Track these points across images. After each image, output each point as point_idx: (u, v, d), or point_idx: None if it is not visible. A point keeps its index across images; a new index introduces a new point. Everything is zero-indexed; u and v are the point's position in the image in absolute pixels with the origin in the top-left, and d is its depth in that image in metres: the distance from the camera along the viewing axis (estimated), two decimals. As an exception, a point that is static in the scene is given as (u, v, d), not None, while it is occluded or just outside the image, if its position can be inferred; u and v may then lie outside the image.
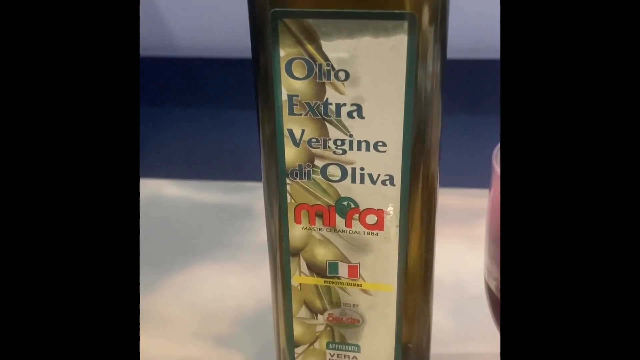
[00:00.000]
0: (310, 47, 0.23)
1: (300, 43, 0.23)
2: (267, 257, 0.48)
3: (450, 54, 0.24)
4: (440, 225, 0.29)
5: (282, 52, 0.23)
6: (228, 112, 1.07)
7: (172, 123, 1.00)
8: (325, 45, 0.23)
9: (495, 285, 0.28)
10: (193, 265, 0.50)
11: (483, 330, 0.40)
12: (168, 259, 0.51)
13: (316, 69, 0.23)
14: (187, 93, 1.06)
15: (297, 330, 0.29)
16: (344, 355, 0.29)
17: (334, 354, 0.29)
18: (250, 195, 0.62)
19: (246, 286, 0.47)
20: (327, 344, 0.29)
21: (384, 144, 0.24)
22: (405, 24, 0.22)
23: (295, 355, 0.30)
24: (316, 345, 0.29)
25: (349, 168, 0.25)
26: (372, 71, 0.23)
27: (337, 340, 0.29)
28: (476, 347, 0.40)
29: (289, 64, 0.23)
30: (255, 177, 0.63)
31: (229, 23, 1.01)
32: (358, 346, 0.29)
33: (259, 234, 0.54)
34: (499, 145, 0.27)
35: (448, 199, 0.42)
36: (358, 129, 0.24)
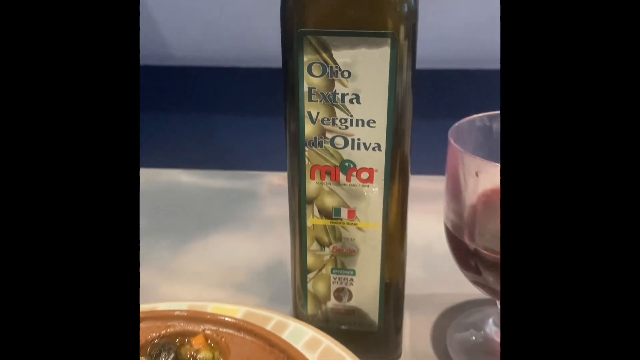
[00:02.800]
0: (324, 55, 0.33)
1: (317, 52, 0.33)
2: (271, 229, 0.58)
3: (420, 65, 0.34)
4: (413, 202, 0.39)
5: (305, 58, 0.34)
6: (222, 114, 1.17)
7: (181, 123, 1.09)
8: (335, 53, 0.33)
9: (450, 224, 0.38)
10: (210, 235, 0.60)
11: (446, 278, 0.50)
12: (188, 231, 0.60)
13: (328, 70, 0.34)
14: (185, 98, 1.15)
15: (310, 260, 0.39)
16: (344, 279, 0.39)
17: (336, 278, 0.39)
18: (250, 181, 0.71)
19: (256, 249, 0.57)
20: (332, 269, 0.39)
21: (374, 122, 0.34)
22: (389, 40, 0.32)
23: (308, 279, 0.40)
24: (323, 271, 0.39)
25: (349, 139, 0.35)
26: (367, 71, 0.33)
27: (339, 266, 0.39)
28: (440, 289, 0.50)
29: (309, 66, 0.34)
30: (252, 168, 0.72)
31: (221, 34, 1.10)
32: (354, 271, 0.39)
33: (262, 211, 0.64)
34: (454, 125, 0.38)
35: (420, 184, 0.52)
36: (356, 111, 0.34)
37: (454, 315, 0.47)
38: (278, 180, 0.72)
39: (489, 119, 0.39)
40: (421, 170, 0.53)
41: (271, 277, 0.53)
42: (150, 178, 0.72)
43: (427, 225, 0.51)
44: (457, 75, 1.07)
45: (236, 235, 0.60)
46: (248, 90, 1.06)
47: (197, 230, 0.60)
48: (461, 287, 0.49)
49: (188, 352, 0.37)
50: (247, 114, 1.09)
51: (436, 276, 0.52)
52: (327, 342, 0.38)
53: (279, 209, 0.64)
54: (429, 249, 0.55)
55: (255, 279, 0.53)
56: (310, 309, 0.41)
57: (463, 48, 1.02)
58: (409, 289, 0.43)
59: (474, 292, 0.48)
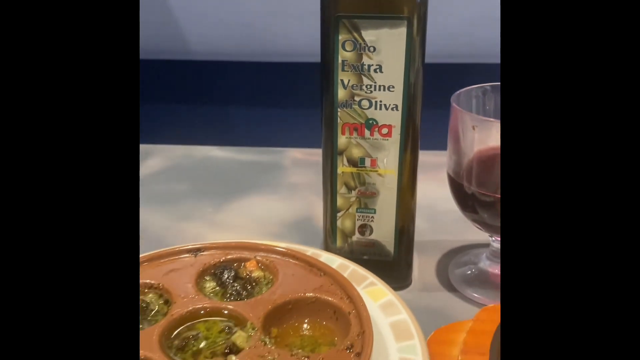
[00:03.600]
0: (355, 34, 0.42)
1: (349, 32, 0.42)
2: (296, 192, 0.67)
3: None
4: (419, 173, 0.48)
5: (340, 37, 0.43)
6: (236, 106, 1.26)
7: (202, 114, 1.18)
8: (363, 33, 0.42)
9: (452, 172, 0.48)
10: (245, 197, 0.69)
11: (447, 229, 0.60)
12: (226, 194, 0.69)
13: (358, 46, 0.43)
14: (205, 89, 1.24)
15: (339, 201, 0.48)
16: (366, 217, 0.48)
17: (360, 216, 0.48)
18: (275, 156, 0.80)
19: (285, 208, 0.66)
20: (357, 209, 0.48)
21: (393, 87, 0.44)
22: (405, 22, 0.42)
23: (337, 218, 0.49)
24: (350, 210, 0.48)
25: (373, 101, 0.44)
26: (388, 47, 0.42)
27: (362, 206, 0.48)
28: (442, 236, 0.59)
29: (343, 43, 0.43)
30: (268, 145, 0.80)
31: (238, 30, 1.19)
32: (375, 210, 0.48)
33: (287, 179, 0.73)
34: (455, 93, 0.47)
35: (426, 157, 0.59)
36: (379, 78, 0.44)
37: (453, 255, 0.56)
38: (299, 155, 0.81)
39: (482, 89, 0.49)
40: (426, 147, 0.62)
41: (300, 228, 0.62)
42: (187, 153, 0.81)
43: (431, 190, 0.60)
44: (457, 68, 1.16)
45: (267, 197, 0.69)
46: (263, 82, 1.15)
47: (234, 193, 0.70)
48: (459, 234, 0.58)
49: (244, 272, 0.46)
50: (260, 104, 1.18)
51: (439, 227, 0.61)
52: (353, 266, 0.48)
53: (301, 177, 0.74)
54: (433, 207, 0.64)
55: (286, 230, 0.62)
56: (338, 242, 0.50)
57: (466, 42, 1.11)
58: (417, 237, 0.52)
59: (469, 238, 0.57)
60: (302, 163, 0.78)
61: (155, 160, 0.78)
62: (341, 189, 0.48)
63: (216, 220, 0.64)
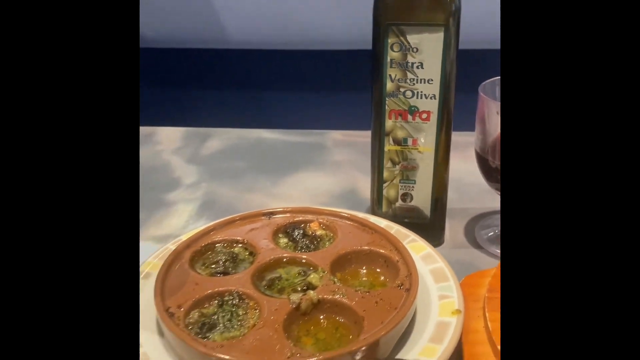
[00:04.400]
0: (401, 38, 0.52)
1: (397, 36, 0.52)
2: (340, 169, 0.77)
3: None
4: (451, 151, 0.57)
5: (389, 40, 0.52)
6: (273, 92, 1.35)
7: (237, 100, 1.28)
8: (408, 37, 0.52)
9: (479, 149, 0.57)
10: (295, 173, 0.79)
11: (472, 198, 0.69)
12: (279, 170, 0.80)
13: (404, 47, 0.52)
14: (242, 77, 1.34)
15: (385, 174, 0.58)
16: (408, 186, 0.59)
17: (402, 185, 0.59)
18: (318, 137, 0.90)
19: (331, 182, 0.76)
20: (400, 180, 0.58)
21: (432, 80, 0.53)
22: (442, 28, 0.51)
23: (383, 187, 0.59)
24: (394, 181, 0.59)
25: (415, 91, 0.54)
26: (428, 48, 0.52)
27: (404, 178, 0.58)
28: (469, 205, 0.69)
29: (391, 45, 0.53)
30: (313, 127, 0.91)
31: (275, 22, 1.28)
32: (415, 181, 0.58)
33: (331, 157, 0.84)
34: (482, 83, 0.56)
35: (458, 138, 0.68)
36: (420, 73, 0.53)
37: (479, 219, 0.66)
38: (339, 136, 0.91)
39: (505, 80, 0.58)
40: (457, 129, 0.71)
41: (345, 198, 0.72)
42: (241, 135, 0.91)
43: (461, 166, 0.70)
44: (489, 54, 1.25)
45: (315, 173, 0.79)
46: (303, 70, 1.25)
47: (286, 169, 0.80)
48: (484, 202, 0.68)
49: (309, 231, 0.57)
50: (300, 90, 1.28)
51: (467, 196, 0.71)
52: (397, 227, 0.58)
53: (343, 156, 0.84)
54: (462, 180, 0.73)
55: (334, 200, 0.72)
56: (384, 208, 0.60)
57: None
58: (449, 204, 0.61)
59: (492, 205, 0.67)
60: (342, 144, 0.88)
61: (215, 142, 0.89)
62: (387, 164, 0.58)
63: (274, 192, 0.74)
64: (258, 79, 1.28)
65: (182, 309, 0.45)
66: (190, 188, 0.75)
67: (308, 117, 1.19)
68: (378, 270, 0.52)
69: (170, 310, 0.45)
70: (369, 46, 0.53)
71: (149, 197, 0.72)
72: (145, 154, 0.85)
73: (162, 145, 0.88)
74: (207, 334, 0.43)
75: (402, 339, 0.45)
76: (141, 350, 0.43)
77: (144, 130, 0.93)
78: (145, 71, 1.42)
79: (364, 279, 0.51)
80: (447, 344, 0.43)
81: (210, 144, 0.88)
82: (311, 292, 0.46)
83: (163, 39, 1.22)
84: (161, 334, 0.45)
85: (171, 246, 0.55)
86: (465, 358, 0.44)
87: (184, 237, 0.56)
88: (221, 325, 0.44)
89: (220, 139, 0.90)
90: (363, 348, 0.41)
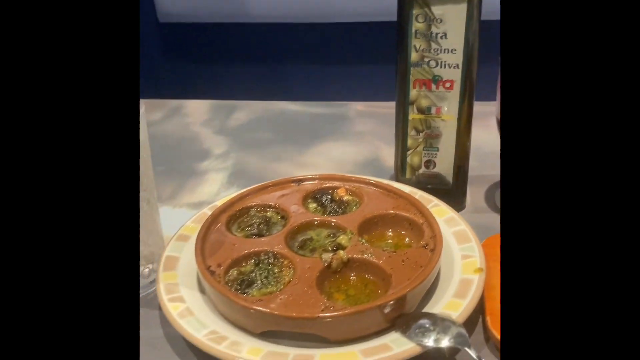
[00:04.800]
0: (426, 9, 0.54)
1: (422, 7, 0.54)
2: (363, 138, 0.79)
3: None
4: (473, 120, 0.59)
5: (414, 11, 0.54)
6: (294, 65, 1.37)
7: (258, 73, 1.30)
8: (433, 8, 0.54)
9: (498, 116, 0.59)
10: (320, 143, 0.82)
11: (492, 166, 0.72)
12: (303, 141, 0.82)
13: (428, 18, 0.54)
14: (262, 51, 1.36)
15: (409, 141, 0.61)
16: (431, 154, 0.61)
17: (426, 153, 0.61)
18: (340, 109, 0.92)
19: (354, 151, 0.79)
20: (423, 147, 0.61)
21: (455, 50, 0.55)
22: (466, 0, 0.53)
23: (407, 155, 0.62)
24: (418, 149, 0.61)
25: (439, 61, 0.56)
26: (452, 19, 0.54)
27: (428, 145, 0.60)
28: (489, 172, 0.71)
29: (416, 16, 0.54)
30: (335, 99, 0.93)
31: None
32: (438, 148, 0.60)
33: (354, 127, 0.86)
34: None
35: (479, 108, 0.70)
36: (444, 44, 0.55)
37: (499, 186, 0.68)
38: (361, 107, 0.93)
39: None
40: (479, 98, 0.73)
41: (369, 166, 0.74)
42: (266, 108, 0.94)
43: (482, 135, 0.72)
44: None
45: (339, 143, 0.82)
46: (322, 43, 1.27)
47: (311, 140, 0.82)
48: (504, 169, 0.70)
49: (337, 197, 0.60)
50: (321, 63, 1.30)
51: (487, 164, 0.73)
52: (420, 192, 0.60)
53: (365, 126, 0.86)
54: (482, 148, 0.75)
55: (358, 168, 0.74)
56: (408, 174, 0.63)
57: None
58: (470, 172, 0.64)
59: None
60: (364, 114, 0.90)
61: (241, 114, 0.92)
62: (411, 132, 0.60)
63: (300, 160, 0.77)
64: (281, 52, 1.30)
65: (221, 267, 0.49)
66: (220, 158, 0.78)
67: (330, 89, 1.22)
68: (403, 232, 0.54)
69: (211, 268, 0.49)
70: (391, 18, 0.55)
71: (181, 166, 0.75)
72: (175, 126, 0.88)
73: (190, 118, 0.91)
74: (247, 290, 0.47)
75: (428, 295, 0.48)
76: (184, 305, 0.47)
77: (172, 103, 0.96)
78: (171, 46, 1.45)
79: (389, 240, 0.54)
80: (470, 299, 0.46)
81: (236, 116, 0.91)
82: (341, 251, 0.49)
83: (188, 14, 1.24)
84: (202, 291, 0.49)
85: (207, 211, 0.58)
86: (487, 312, 0.47)
87: (219, 203, 0.59)
88: (259, 281, 0.48)
89: (245, 111, 0.92)
90: (391, 302, 0.44)
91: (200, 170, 0.74)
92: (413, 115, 0.59)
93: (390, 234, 0.55)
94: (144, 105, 0.47)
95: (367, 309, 0.43)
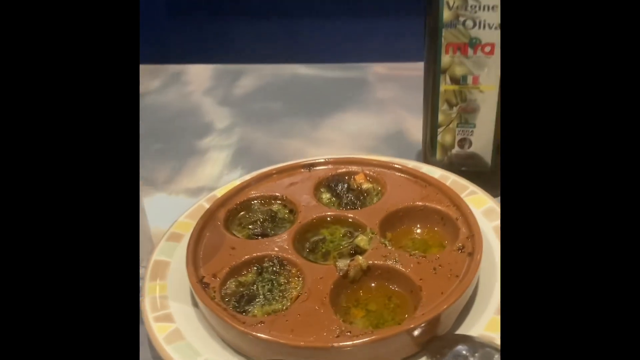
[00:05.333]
0: (462, -45, 0.44)
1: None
2: (385, 108, 0.70)
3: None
4: None
5: (447, -41, 0.44)
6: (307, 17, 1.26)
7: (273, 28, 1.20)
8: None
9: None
10: (336, 114, 0.73)
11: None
12: (317, 112, 0.73)
13: (464, -33, 0.44)
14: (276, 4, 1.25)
15: (440, 117, 0.51)
16: (466, 131, 0.52)
17: (460, 130, 0.52)
18: (359, 72, 0.83)
19: (376, 123, 0.70)
20: (457, 124, 0.51)
21: (497, 6, 0.45)
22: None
23: (438, 132, 0.52)
24: (450, 125, 0.52)
25: (477, 20, 0.46)
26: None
27: (462, 122, 0.51)
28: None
29: (450, -35, 0.44)
30: (352, 60, 0.83)
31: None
32: (474, 124, 0.51)
33: (374, 94, 0.76)
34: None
35: None
36: (484, -2, 0.45)
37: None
38: (382, 70, 0.83)
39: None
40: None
41: (393, 142, 0.65)
42: (276, 72, 0.84)
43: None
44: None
45: (357, 113, 0.72)
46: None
47: (325, 110, 0.73)
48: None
49: (354, 184, 0.51)
50: (337, 18, 1.19)
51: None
52: (453, 177, 0.51)
53: (388, 92, 0.76)
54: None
55: (380, 144, 0.66)
56: (438, 155, 0.53)
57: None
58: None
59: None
60: (386, 78, 0.80)
61: (248, 80, 0.82)
62: (443, 106, 0.51)
63: (313, 136, 0.68)
64: (292, 7, 1.18)
65: (217, 279, 0.41)
66: (223, 133, 0.69)
67: (346, 48, 1.11)
68: (435, 229, 0.46)
69: (205, 280, 0.41)
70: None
71: (180, 144, 0.67)
72: (175, 96, 0.80)
73: (192, 86, 0.82)
74: (246, 307, 0.39)
75: (465, 311, 0.40)
76: (173, 326, 0.39)
77: (172, 68, 0.87)
78: (173, 1, 1.35)
79: (418, 240, 0.46)
80: (518, 318, 0.37)
81: (243, 83, 0.82)
82: (359, 257, 0.41)
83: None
84: (195, 304, 0.41)
85: (204, 203, 0.50)
86: (539, 333, 0.38)
87: (218, 193, 0.51)
88: (261, 296, 0.40)
89: (253, 76, 0.83)
90: (422, 325, 0.36)
91: (201, 149, 0.66)
92: (445, 86, 0.49)
93: (418, 231, 0.46)
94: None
95: (390, 335, 0.35)
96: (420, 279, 0.39)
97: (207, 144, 0.67)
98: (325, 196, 0.50)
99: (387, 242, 0.43)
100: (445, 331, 0.38)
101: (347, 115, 0.72)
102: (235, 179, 0.52)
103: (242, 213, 0.49)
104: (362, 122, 0.70)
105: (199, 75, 0.85)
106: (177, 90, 0.80)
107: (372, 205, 0.48)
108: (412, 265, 0.41)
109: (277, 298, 0.40)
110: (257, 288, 0.41)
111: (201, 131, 0.70)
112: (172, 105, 0.77)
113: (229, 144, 0.67)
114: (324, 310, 0.38)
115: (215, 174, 0.62)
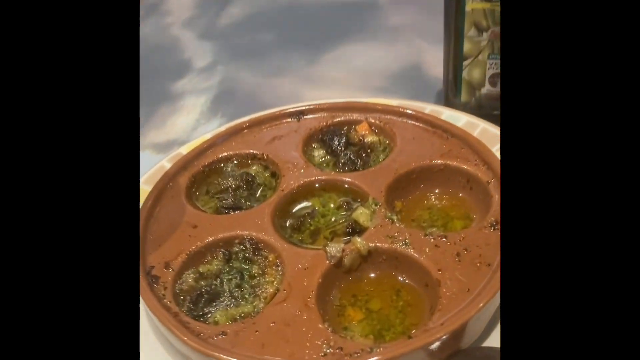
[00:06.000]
0: None
1: None
2: (399, 36, 0.58)
3: None
4: None
5: None
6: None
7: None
8: None
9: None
10: (339, 46, 0.61)
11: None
12: (317, 44, 0.62)
13: None
14: None
15: (466, 46, 0.40)
16: (499, 64, 0.40)
17: (492, 63, 0.40)
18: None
19: (388, 55, 0.58)
20: (488, 55, 0.40)
21: None
22: None
23: (463, 66, 0.41)
24: (480, 57, 0.40)
25: None
26: None
27: (496, 52, 0.39)
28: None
29: None
30: None
31: None
32: (511, 55, 0.39)
33: (387, 20, 0.64)
34: None
35: None
36: None
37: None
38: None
39: None
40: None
41: (408, 79, 0.54)
42: (269, -4, 0.72)
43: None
44: None
45: (366, 44, 0.61)
46: None
47: (327, 41, 0.62)
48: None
49: (355, 137, 0.40)
50: None
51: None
52: (483, 124, 0.40)
53: (402, 17, 0.64)
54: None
55: (392, 82, 0.54)
56: (463, 96, 0.42)
57: None
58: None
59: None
60: (400, 0, 0.67)
61: (236, 8, 0.70)
62: (469, 32, 0.39)
63: (311, 74, 0.57)
64: None
65: (171, 269, 0.32)
66: (203, 73, 0.59)
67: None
68: (459, 196, 0.36)
69: (154, 272, 0.31)
70: None
71: (151, 87, 0.57)
72: (149, 29, 0.68)
73: (171, 17, 0.70)
74: (206, 310, 0.30)
75: (496, 315, 0.30)
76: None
77: (148, -3, 0.75)
78: None
79: (436, 211, 0.35)
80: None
81: (230, 11, 0.70)
82: (357, 239, 0.31)
83: None
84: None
85: (166, 164, 0.40)
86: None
87: (185, 150, 0.41)
88: (226, 294, 0.31)
89: (242, 2, 0.71)
90: (442, 337, 0.26)
91: (175, 92, 0.56)
92: (473, 4, 0.38)
93: (436, 200, 0.36)
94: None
95: (398, 355, 0.26)
96: (439, 270, 0.29)
97: (182, 87, 0.57)
98: (318, 153, 0.39)
99: (395, 217, 0.33)
100: (472, 342, 0.28)
101: (353, 47, 0.60)
102: (213, 130, 0.42)
103: (211, 178, 0.39)
104: (371, 55, 0.59)
105: (180, 3, 0.72)
106: (154, 23, 0.69)
107: (378, 165, 0.37)
108: (427, 250, 0.31)
109: (247, 297, 0.30)
110: (222, 282, 0.31)
111: (177, 71, 0.59)
112: (146, 40, 0.66)
113: (208, 86, 0.56)
114: (308, 315, 0.28)
115: (190, 124, 0.51)
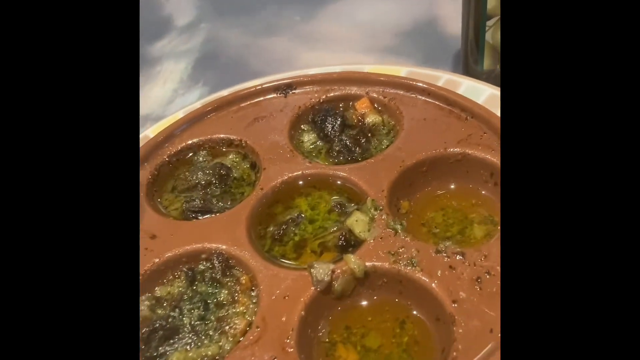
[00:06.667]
0: None
1: None
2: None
3: None
4: None
5: None
6: None
7: None
8: None
9: None
10: (341, -3, 0.53)
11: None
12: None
13: None
14: None
15: (491, 2, 0.32)
16: (534, 23, 0.32)
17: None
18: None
19: (399, 9, 0.50)
20: (519, 12, 0.32)
21: None
22: None
23: (486, 27, 0.33)
24: (508, 15, 0.32)
25: None
26: None
27: (529, 8, 0.32)
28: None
29: None
30: None
31: None
32: (549, 12, 0.32)
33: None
34: None
35: None
36: None
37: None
38: None
39: None
40: None
41: (421, 38, 0.46)
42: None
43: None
44: None
45: (371, -4, 0.52)
46: None
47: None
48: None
49: (354, 117, 0.33)
50: None
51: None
52: (511, 99, 0.33)
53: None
54: None
55: (402, 42, 0.46)
56: (486, 63, 0.35)
57: None
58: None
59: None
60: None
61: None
62: (496, -17, 0.31)
63: (307, 32, 0.50)
64: None
65: (121, 295, 0.25)
66: (184, 33, 0.52)
67: None
68: (481, 193, 0.29)
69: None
70: None
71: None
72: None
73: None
74: (161, 349, 0.24)
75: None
76: None
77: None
78: None
79: (450, 209, 0.29)
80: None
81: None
82: (351, 258, 0.25)
83: None
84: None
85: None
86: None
87: (152, 132, 0.34)
88: (187, 328, 0.25)
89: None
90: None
91: (152, 57, 0.49)
92: (501, -53, 0.30)
93: (452, 200, 0.29)
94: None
95: None
96: (454, 302, 0.23)
97: (160, 50, 0.50)
98: (308, 138, 0.33)
99: (399, 226, 0.26)
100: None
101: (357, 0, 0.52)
102: (192, 104, 0.35)
103: (178, 171, 0.32)
104: (378, 9, 0.51)
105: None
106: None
107: (380, 154, 0.30)
108: (439, 273, 0.24)
109: (211, 333, 0.24)
110: (183, 312, 0.25)
111: (155, 31, 0.52)
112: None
113: (189, 49, 0.49)
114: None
115: (166, 97, 0.45)
